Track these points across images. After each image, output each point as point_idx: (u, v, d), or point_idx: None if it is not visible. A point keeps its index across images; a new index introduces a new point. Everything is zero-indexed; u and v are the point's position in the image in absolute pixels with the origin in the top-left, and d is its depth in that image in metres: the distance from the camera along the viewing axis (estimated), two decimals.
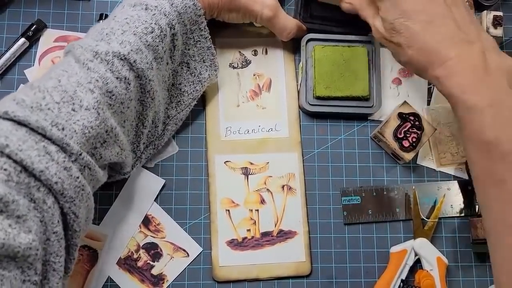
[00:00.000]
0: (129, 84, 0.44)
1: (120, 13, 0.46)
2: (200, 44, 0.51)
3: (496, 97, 0.42)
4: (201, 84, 0.54)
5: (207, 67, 0.54)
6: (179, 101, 0.54)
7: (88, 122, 0.40)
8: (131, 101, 0.45)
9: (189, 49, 0.51)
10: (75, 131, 0.40)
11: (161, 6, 0.46)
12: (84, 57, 0.43)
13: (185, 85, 0.54)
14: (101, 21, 0.59)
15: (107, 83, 0.42)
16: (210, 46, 0.53)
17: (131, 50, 0.44)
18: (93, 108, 0.41)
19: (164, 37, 0.46)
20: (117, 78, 0.43)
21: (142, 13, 0.46)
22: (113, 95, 0.43)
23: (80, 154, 0.40)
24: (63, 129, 0.39)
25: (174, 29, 0.47)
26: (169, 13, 0.46)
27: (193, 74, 0.53)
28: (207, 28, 0.51)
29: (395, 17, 0.46)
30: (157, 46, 0.46)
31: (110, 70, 0.43)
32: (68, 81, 0.41)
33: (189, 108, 0.55)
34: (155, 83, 0.47)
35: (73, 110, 0.40)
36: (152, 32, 0.45)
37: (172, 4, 0.47)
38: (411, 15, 0.46)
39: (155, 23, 0.45)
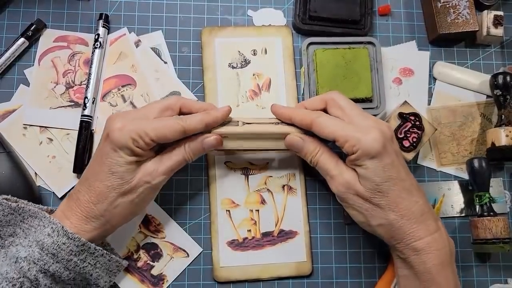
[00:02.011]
0: None
1: None
2: (99, 263, 0.47)
3: (456, 283, 0.47)
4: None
5: (113, 272, 0.50)
6: None
7: None
8: None
9: (91, 274, 0.47)
10: None
11: (30, 255, 0.43)
12: None
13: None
14: (101, 21, 0.59)
15: None
16: (112, 257, 0.48)
17: None
18: None
19: (38, 286, 0.44)
20: None
21: (10, 268, 0.43)
22: None
23: None
24: None
25: (49, 271, 0.44)
26: (39, 259, 0.43)
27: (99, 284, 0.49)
28: (99, 248, 0.47)
29: (384, 180, 0.45)
30: None
31: None
32: None
33: None
34: None
35: None
36: (22, 287, 0.43)
37: (42, 249, 0.44)
38: (397, 182, 0.46)
39: (23, 276, 0.43)
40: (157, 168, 0.48)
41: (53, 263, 0.44)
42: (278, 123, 0.51)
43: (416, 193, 0.47)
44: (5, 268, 0.43)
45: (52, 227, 0.45)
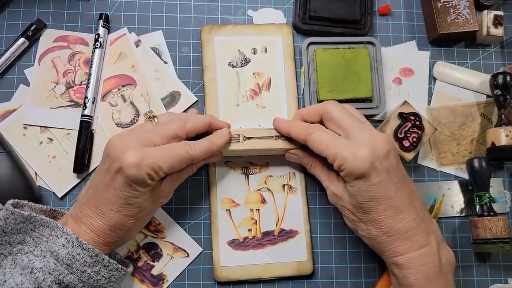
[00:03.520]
0: None
1: (10, 278, 0.44)
2: (114, 277, 0.47)
3: None
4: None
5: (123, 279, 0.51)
6: None
7: None
8: None
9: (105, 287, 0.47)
10: None
11: (46, 266, 0.44)
12: None
13: None
14: (101, 21, 0.59)
15: None
16: (126, 271, 0.49)
17: None
18: None
19: None
20: None
21: (25, 279, 0.43)
22: None
23: None
24: None
25: (63, 282, 0.44)
26: (54, 269, 0.44)
27: None
28: (113, 261, 0.47)
29: (367, 199, 0.46)
30: None
31: None
32: None
33: None
34: None
35: None
36: None
37: (57, 259, 0.44)
38: (382, 201, 0.45)
39: (37, 287, 0.43)
40: (171, 189, 0.52)
41: (67, 274, 0.44)
42: (278, 136, 0.53)
43: (406, 209, 0.46)
44: (20, 279, 0.43)
45: (66, 238, 0.45)
